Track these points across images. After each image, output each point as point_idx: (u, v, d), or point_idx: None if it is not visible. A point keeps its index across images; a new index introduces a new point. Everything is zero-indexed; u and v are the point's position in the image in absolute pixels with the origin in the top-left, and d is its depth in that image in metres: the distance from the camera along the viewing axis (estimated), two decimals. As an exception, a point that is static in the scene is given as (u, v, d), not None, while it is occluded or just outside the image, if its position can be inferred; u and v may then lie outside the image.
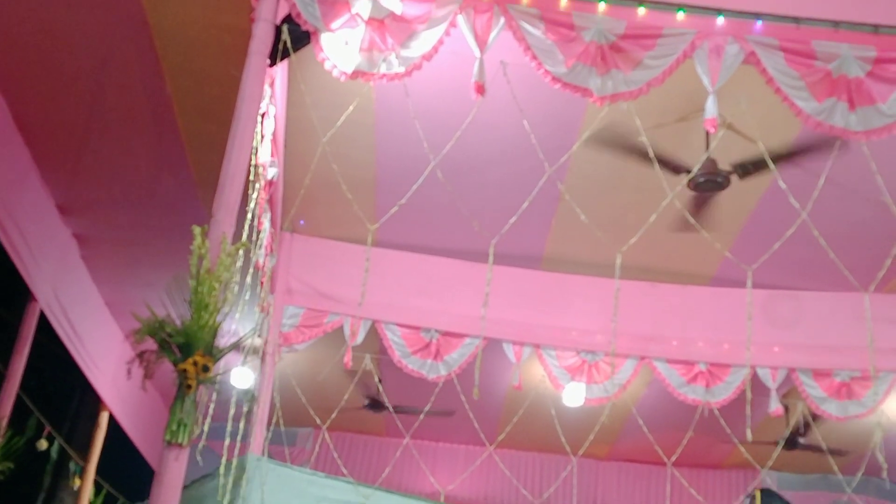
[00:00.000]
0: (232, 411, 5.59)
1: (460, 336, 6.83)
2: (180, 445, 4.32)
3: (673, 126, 5.49)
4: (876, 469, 6.68)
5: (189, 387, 4.42)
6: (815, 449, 7.97)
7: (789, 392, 7.67)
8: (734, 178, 5.79)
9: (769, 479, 8.73)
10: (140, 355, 4.31)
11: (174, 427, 4.35)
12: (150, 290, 4.12)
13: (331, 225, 6.84)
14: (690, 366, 7.02)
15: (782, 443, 8.26)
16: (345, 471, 6.74)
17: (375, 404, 7.91)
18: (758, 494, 4.42)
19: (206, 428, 5.18)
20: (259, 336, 6.52)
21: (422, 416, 6.94)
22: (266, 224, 5.76)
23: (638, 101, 4.47)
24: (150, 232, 6.90)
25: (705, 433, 7.17)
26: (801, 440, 8.58)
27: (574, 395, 6.99)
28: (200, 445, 5.43)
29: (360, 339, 6.77)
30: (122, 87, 5.57)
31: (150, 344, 4.47)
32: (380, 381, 7.59)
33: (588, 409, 7.01)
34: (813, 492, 9.34)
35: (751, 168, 5.71)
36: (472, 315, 6.66)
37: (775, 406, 6.92)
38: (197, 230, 4.09)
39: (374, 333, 6.89)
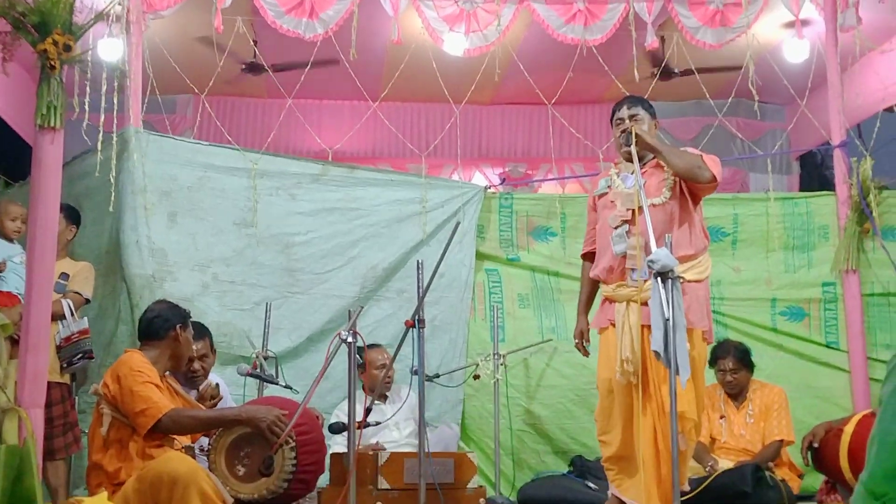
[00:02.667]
0: (105, 87, 5.39)
1: (334, -9, 6.57)
2: (53, 129, 4.21)
3: None
4: (747, 92, 6.97)
5: (52, 67, 4.23)
6: (689, 74, 8.19)
7: (665, 24, 7.75)
8: None
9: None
10: (-6, 39, 4.07)
11: (44, 111, 4.21)
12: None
13: None
14: (569, 5, 6.99)
15: (658, 74, 8.47)
16: (229, 138, 6.69)
17: (254, 67, 7.72)
18: (633, 129, 4.54)
19: (87, 106, 5.02)
20: (120, 5, 6.16)
21: (304, 75, 6.83)
22: None
23: None
24: None
25: (584, 71, 7.28)
26: (676, 70, 8.80)
27: (454, 45, 6.93)
28: (84, 124, 5.29)
29: (228, 0, 6.45)
30: None
31: (5, 25, 4.20)
32: (255, 42, 7.36)
33: (469, 58, 6.99)
34: (686, 118, 9.74)
35: None
36: (344, -32, 6.39)
37: (651, 39, 7.02)
38: None
39: (244, -6, 6.57)
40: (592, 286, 4.86)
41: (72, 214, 5.68)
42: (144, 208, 6.08)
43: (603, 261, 4.61)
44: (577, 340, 4.84)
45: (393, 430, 5.84)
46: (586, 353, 4.87)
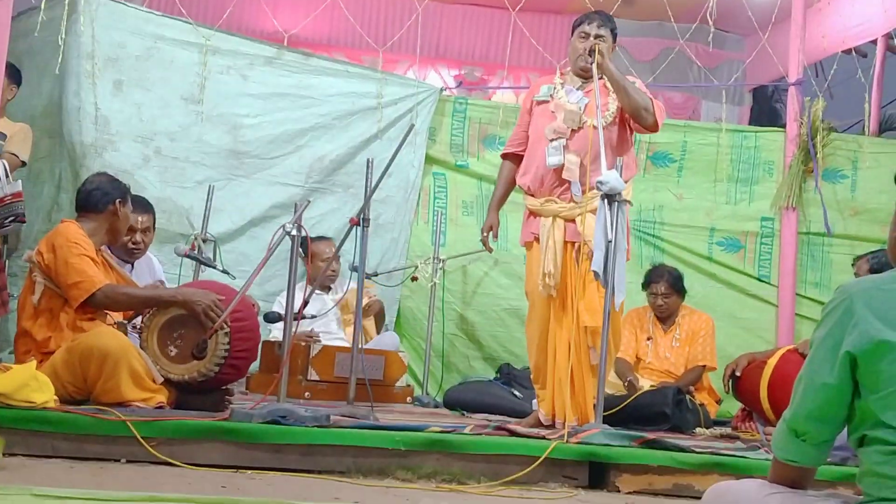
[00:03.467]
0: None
1: None
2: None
3: None
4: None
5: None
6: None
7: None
8: None
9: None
10: None
11: (-8, -36, 4.03)
12: None
13: None
14: None
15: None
16: (182, 9, 6.46)
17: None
18: (597, 48, 4.51)
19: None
20: None
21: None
22: None
23: None
24: None
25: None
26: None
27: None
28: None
29: None
30: None
31: None
32: None
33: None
34: (646, 38, 9.67)
35: None
36: None
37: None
38: None
39: None
40: (509, 187, 4.83)
41: (13, 74, 5.48)
42: (90, 74, 5.91)
43: (532, 171, 4.57)
44: (483, 234, 4.80)
45: (332, 321, 5.88)
46: (490, 249, 4.88)
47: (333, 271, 5.91)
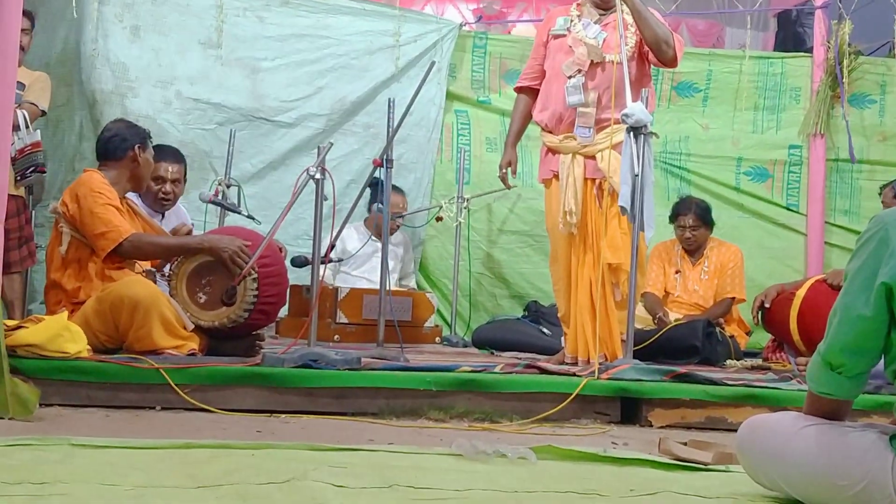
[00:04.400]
0: None
1: None
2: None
3: None
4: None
5: None
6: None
7: None
8: None
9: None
10: None
11: None
12: None
13: None
14: None
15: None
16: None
17: None
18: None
19: None
20: None
21: None
22: None
23: None
24: None
25: None
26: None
27: None
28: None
29: None
30: None
31: None
32: None
33: None
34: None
35: None
36: None
37: None
38: None
39: None
40: (525, 121, 4.74)
41: (31, 19, 5.44)
42: (106, 20, 5.86)
43: (551, 108, 4.48)
44: (502, 171, 4.75)
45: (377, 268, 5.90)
46: (508, 186, 4.85)
47: (399, 225, 6.10)
